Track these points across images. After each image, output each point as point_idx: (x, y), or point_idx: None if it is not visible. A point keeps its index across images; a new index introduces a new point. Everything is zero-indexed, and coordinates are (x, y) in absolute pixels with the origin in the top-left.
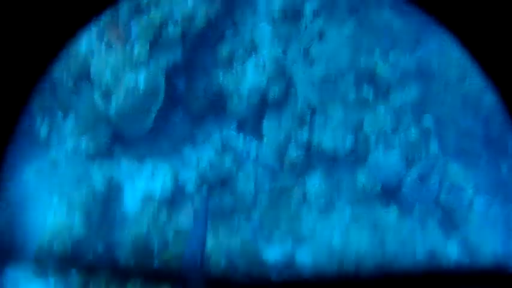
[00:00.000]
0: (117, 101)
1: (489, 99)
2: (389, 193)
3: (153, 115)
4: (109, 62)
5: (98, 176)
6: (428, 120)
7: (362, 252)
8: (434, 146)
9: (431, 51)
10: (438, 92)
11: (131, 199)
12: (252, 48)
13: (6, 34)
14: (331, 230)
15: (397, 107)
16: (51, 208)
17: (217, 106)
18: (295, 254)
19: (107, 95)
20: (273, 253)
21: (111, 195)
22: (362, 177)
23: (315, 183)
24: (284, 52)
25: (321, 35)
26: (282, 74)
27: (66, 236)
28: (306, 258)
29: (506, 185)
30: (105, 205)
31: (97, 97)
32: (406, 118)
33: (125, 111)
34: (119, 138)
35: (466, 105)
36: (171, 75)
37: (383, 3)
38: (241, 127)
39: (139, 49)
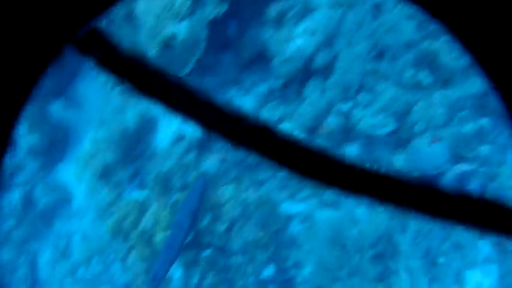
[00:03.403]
0: (156, 49)
1: None
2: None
3: (191, 66)
4: (153, 8)
5: (133, 111)
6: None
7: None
8: (487, 148)
9: None
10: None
11: (163, 136)
12: (306, 11)
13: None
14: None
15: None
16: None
17: (263, 61)
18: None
19: (149, 37)
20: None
21: (144, 129)
22: (400, 161)
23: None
24: (340, 20)
25: (379, 7)
26: (331, 43)
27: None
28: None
29: None
30: (137, 138)
31: (141, 37)
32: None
33: (163, 60)
34: None
35: None
36: (220, 21)
37: None
38: (285, 86)
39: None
